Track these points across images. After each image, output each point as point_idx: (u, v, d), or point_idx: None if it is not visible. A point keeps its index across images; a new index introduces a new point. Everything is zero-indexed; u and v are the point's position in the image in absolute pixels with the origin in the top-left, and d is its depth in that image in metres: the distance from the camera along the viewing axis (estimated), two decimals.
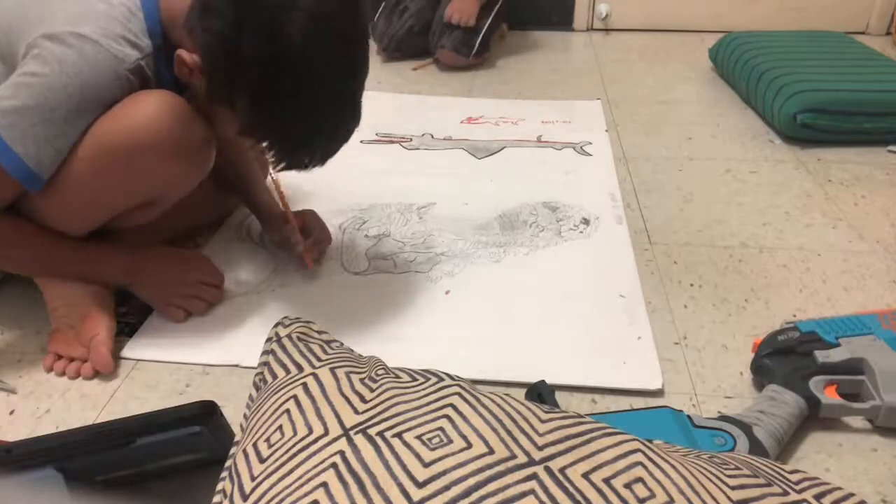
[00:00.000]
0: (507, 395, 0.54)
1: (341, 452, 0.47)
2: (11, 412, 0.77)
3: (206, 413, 0.63)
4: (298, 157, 0.79)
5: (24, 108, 0.72)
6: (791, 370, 0.75)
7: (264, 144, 0.78)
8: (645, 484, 0.47)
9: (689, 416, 0.70)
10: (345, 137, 0.80)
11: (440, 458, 0.46)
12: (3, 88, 0.73)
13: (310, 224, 1.01)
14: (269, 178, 1.08)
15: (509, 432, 0.49)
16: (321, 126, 0.77)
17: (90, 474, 0.60)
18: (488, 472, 0.45)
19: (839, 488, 0.52)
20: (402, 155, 1.40)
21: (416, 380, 0.56)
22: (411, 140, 1.46)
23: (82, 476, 0.60)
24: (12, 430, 0.74)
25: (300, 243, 0.97)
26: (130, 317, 0.91)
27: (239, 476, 0.49)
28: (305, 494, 0.44)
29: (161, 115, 0.76)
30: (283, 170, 0.80)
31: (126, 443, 0.61)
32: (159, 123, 0.76)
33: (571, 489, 0.45)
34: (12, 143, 0.72)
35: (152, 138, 0.76)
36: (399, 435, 0.48)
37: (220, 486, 0.51)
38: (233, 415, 0.67)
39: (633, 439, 0.51)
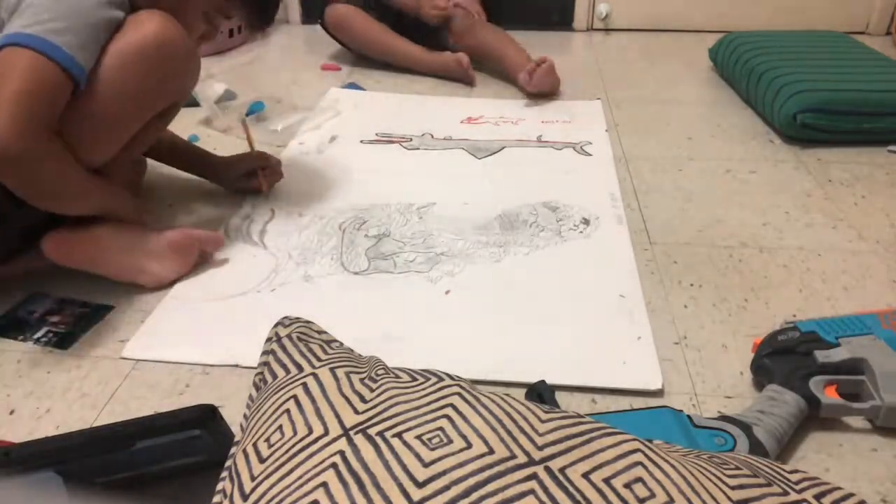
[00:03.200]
0: (507, 395, 0.54)
1: (341, 452, 0.47)
2: (11, 412, 0.77)
3: (206, 416, 0.63)
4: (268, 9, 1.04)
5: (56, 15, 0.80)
6: (791, 370, 0.75)
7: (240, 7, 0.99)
8: (645, 484, 0.47)
9: (689, 416, 0.70)
10: None
11: (440, 458, 0.46)
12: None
13: (265, 156, 1.19)
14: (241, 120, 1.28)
15: (509, 432, 0.49)
16: None
17: (90, 477, 0.60)
18: (488, 472, 0.45)
19: (839, 488, 0.52)
20: (402, 155, 1.40)
21: (416, 380, 0.56)
22: (411, 140, 1.46)
23: (82, 479, 0.60)
24: (12, 429, 0.74)
25: (263, 168, 1.17)
26: (62, 326, 0.89)
27: (239, 476, 0.49)
28: (305, 494, 0.44)
29: (167, 23, 0.88)
30: (256, 28, 1.07)
31: (125, 446, 0.61)
32: (168, 30, 0.88)
33: (571, 489, 0.45)
34: (59, 42, 0.79)
35: (166, 38, 0.88)
36: (399, 435, 0.48)
37: (220, 486, 0.51)
38: (233, 415, 0.66)
39: (633, 439, 0.51)
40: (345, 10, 1.92)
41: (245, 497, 0.46)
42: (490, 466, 0.45)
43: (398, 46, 1.90)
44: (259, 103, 1.59)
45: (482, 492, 0.44)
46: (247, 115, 1.55)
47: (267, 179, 1.18)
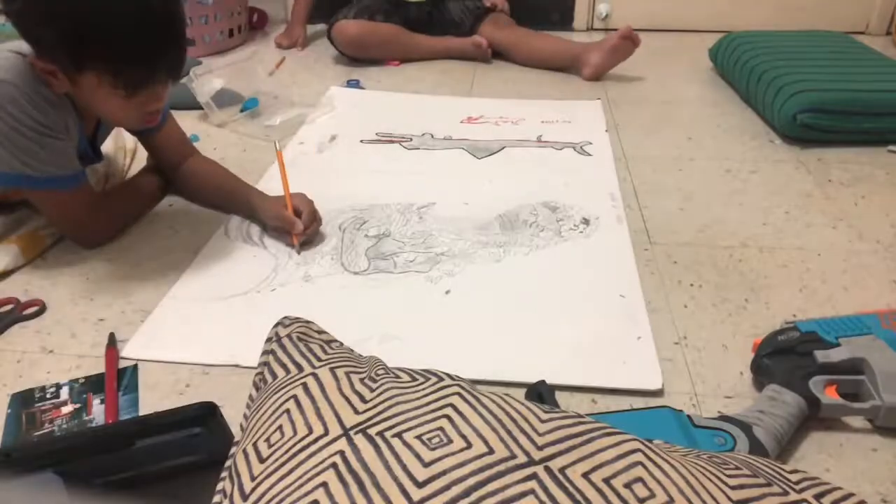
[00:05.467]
0: (507, 395, 0.54)
1: (341, 452, 0.47)
2: None
3: (206, 414, 0.63)
4: (138, 67, 0.88)
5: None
6: (791, 370, 0.75)
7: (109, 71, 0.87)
8: (645, 484, 0.47)
9: (689, 416, 0.70)
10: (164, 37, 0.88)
11: (440, 458, 0.46)
12: None
13: (299, 207, 1.07)
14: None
15: (509, 432, 0.49)
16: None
17: (90, 477, 0.60)
18: (488, 472, 0.45)
19: (839, 488, 0.52)
20: (402, 155, 1.40)
21: (415, 380, 0.56)
22: (411, 140, 1.46)
23: (82, 479, 0.60)
24: None
25: (296, 225, 1.04)
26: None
27: (239, 476, 0.49)
28: (305, 494, 0.44)
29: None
30: (134, 91, 0.89)
31: (126, 445, 0.61)
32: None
33: (571, 489, 0.45)
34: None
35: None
36: (399, 435, 0.48)
37: (220, 486, 0.51)
38: (233, 415, 0.66)
39: (633, 439, 0.51)
40: (356, 29, 1.93)
41: (245, 497, 0.46)
42: (490, 466, 0.45)
43: (420, 43, 2.01)
44: (253, 100, 1.59)
45: (482, 492, 0.44)
46: (241, 111, 1.55)
47: (298, 239, 1.06)
